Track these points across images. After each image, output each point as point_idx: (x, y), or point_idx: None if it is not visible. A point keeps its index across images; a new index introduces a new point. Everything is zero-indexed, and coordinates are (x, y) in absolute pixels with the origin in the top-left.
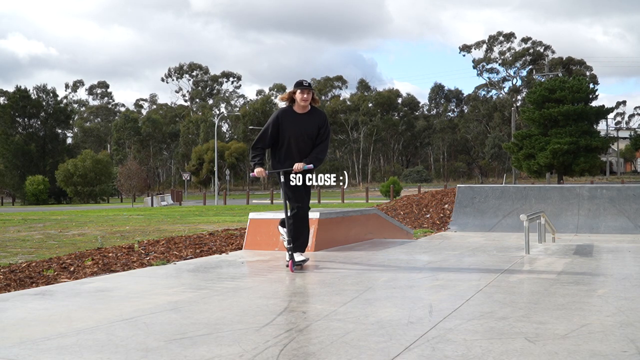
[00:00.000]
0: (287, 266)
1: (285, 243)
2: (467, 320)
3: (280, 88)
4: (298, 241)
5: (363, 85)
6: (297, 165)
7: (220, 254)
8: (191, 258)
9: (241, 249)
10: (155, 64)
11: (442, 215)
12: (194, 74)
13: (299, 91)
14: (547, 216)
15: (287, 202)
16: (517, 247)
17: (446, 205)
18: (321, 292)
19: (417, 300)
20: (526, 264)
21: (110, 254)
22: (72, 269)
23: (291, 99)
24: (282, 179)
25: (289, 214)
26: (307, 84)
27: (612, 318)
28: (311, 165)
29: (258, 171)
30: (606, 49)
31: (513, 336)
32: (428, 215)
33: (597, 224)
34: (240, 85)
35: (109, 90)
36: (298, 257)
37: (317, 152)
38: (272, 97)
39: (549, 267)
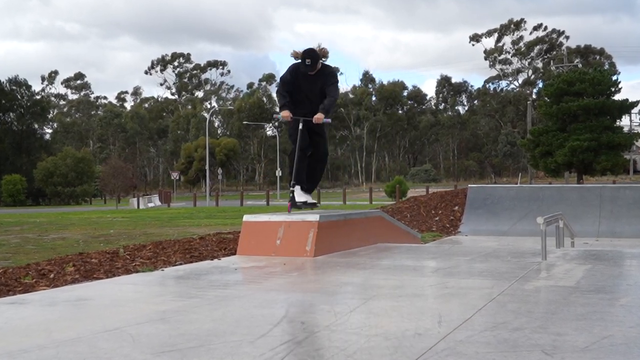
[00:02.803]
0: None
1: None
2: (479, 332)
3: (270, 77)
4: (307, 180)
5: (367, 77)
6: (318, 117)
7: (211, 259)
8: (180, 264)
9: (234, 254)
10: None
11: (452, 217)
12: (176, 63)
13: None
14: (565, 219)
15: (301, 147)
16: (533, 253)
17: (456, 207)
18: (321, 300)
19: (425, 309)
20: (543, 271)
21: (93, 260)
22: (51, 275)
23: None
24: (301, 126)
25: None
26: (308, 63)
27: (635, 329)
28: (329, 120)
29: (285, 114)
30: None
31: (529, 349)
32: (437, 218)
33: (620, 227)
34: (229, 71)
35: (86, 80)
36: (307, 198)
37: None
38: (268, 90)
39: (567, 274)
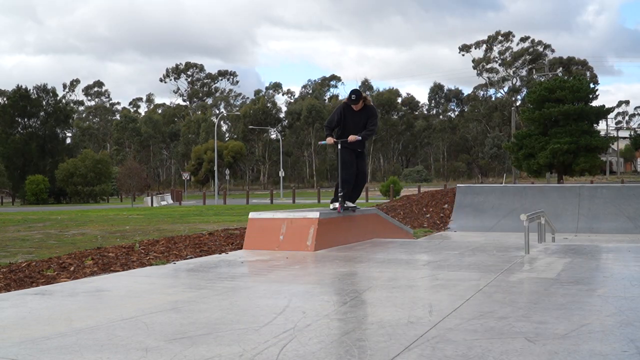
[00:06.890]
0: (336, 209)
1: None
2: (467, 320)
3: (277, 86)
4: (351, 193)
5: (365, 85)
6: (351, 137)
7: (220, 253)
8: (191, 258)
9: (241, 248)
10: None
11: (441, 215)
12: (190, 72)
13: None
14: (547, 216)
15: (342, 169)
16: (517, 247)
17: (446, 205)
18: (321, 291)
19: (417, 300)
20: (526, 264)
21: (110, 254)
22: (72, 268)
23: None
24: (339, 147)
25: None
26: (354, 97)
27: (611, 318)
28: (359, 138)
29: (329, 140)
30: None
31: (513, 336)
32: (428, 215)
33: (597, 223)
34: (238, 81)
35: (104, 89)
36: (349, 204)
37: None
38: (272, 96)
39: (548, 267)
